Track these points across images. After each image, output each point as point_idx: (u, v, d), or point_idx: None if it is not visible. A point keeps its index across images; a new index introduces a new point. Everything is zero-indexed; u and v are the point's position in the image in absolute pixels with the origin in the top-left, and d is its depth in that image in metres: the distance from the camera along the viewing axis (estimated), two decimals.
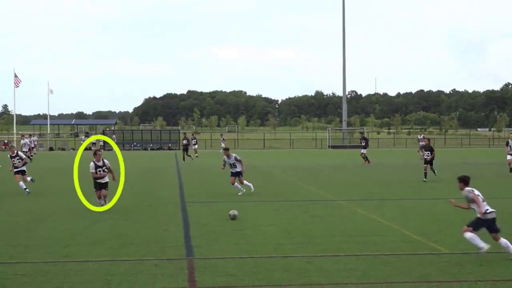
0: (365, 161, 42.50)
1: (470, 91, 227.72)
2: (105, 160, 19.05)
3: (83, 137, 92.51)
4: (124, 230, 15.51)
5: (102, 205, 18.52)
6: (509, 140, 29.25)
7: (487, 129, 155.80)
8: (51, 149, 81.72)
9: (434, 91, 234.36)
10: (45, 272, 10.93)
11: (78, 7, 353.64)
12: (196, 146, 52.60)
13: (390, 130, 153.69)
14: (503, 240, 11.65)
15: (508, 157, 28.93)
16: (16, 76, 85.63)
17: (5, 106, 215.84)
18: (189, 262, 11.68)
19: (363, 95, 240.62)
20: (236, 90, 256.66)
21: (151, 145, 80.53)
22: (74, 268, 11.03)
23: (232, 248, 13.07)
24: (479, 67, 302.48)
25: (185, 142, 47.10)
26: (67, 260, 11.86)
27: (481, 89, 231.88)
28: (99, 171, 18.58)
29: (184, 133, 52.03)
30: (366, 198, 22.38)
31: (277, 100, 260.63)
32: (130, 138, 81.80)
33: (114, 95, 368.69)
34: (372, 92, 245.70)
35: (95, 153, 19.51)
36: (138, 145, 78.28)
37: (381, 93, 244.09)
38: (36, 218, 17.72)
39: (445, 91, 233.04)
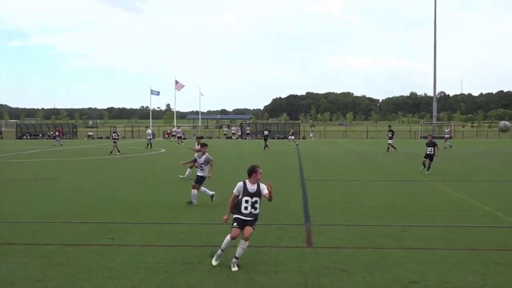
0: (394, 148, 41.64)
1: None
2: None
3: (225, 128, 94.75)
4: None
5: None
6: None
7: None
8: (201, 137, 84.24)
9: None
10: (198, 231, 11.32)
11: (222, 29, 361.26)
12: (292, 137, 53.73)
13: (473, 124, 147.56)
14: None
15: None
16: (177, 82, 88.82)
17: (168, 105, 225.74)
18: (307, 228, 11.71)
19: (451, 95, 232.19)
20: (345, 91, 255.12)
21: (277, 135, 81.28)
22: (218, 229, 11.28)
23: (342, 218, 12.99)
24: None
25: (266, 133, 46.41)
26: (213, 223, 12.18)
27: None
28: None
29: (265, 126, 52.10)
30: (451, 180, 21.59)
31: (378, 100, 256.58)
32: (261, 129, 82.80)
33: (249, 96, 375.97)
34: (458, 93, 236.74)
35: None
36: (290, 134, 79.02)
37: (466, 93, 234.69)
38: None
39: None
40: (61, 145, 54.84)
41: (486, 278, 7.86)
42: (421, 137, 78.49)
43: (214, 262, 8.47)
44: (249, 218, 8.59)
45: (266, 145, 44.79)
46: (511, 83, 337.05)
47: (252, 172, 8.85)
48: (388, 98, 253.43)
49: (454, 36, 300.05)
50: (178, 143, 57.27)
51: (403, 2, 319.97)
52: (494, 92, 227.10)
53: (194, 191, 14.84)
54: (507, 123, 8.71)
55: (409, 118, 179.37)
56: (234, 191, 8.83)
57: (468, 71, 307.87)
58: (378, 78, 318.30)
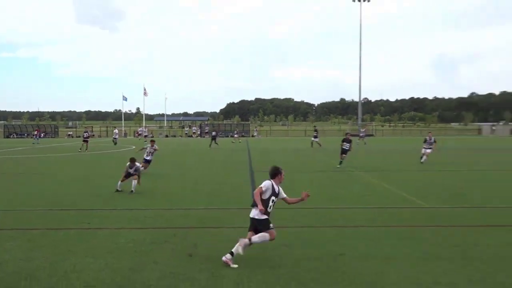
0: (318, 145, 41.51)
1: (446, 97, 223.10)
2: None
3: (187, 128, 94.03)
4: (215, 188, 15.75)
5: None
6: (427, 138, 25.66)
7: (457, 124, 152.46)
8: (166, 136, 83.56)
9: (421, 97, 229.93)
10: (163, 215, 11.22)
11: (186, 44, 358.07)
12: (237, 136, 54.45)
13: (391, 124, 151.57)
14: None
15: (423, 150, 25.07)
16: (145, 89, 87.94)
17: (138, 108, 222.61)
18: None
19: (372, 101, 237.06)
20: (287, 97, 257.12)
21: (231, 133, 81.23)
22: (181, 213, 11.19)
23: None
24: (453, 80, 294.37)
25: (214, 133, 45.88)
26: (178, 208, 12.10)
27: (454, 95, 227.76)
28: None
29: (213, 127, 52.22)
30: (374, 170, 22.06)
31: (315, 104, 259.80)
32: (218, 129, 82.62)
33: (208, 100, 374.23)
34: (379, 99, 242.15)
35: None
36: (223, 133, 78.77)
37: (385, 99, 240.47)
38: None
39: (429, 98, 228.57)
40: (38, 143, 53.02)
41: (399, 249, 8.11)
42: (347, 133, 79.98)
43: (241, 251, 7.23)
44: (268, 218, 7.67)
45: (215, 143, 44.05)
46: (420, 91, 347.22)
47: (277, 173, 8.14)
48: (322, 103, 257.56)
49: (376, 51, 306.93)
50: (145, 141, 56.57)
51: (335, 22, 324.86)
52: (407, 98, 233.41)
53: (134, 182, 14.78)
54: None
55: (339, 119, 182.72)
56: (263, 187, 7.84)
57: (386, 80, 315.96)
58: (314, 86, 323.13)
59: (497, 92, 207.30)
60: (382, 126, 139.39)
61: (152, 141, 21.89)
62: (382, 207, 12.27)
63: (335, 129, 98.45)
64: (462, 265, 7.25)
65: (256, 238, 7.40)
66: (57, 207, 12.28)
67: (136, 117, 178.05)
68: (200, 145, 49.72)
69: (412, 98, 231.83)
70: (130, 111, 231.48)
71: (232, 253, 7.25)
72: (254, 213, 7.58)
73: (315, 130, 45.05)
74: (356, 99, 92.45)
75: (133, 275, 6.80)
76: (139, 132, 71.60)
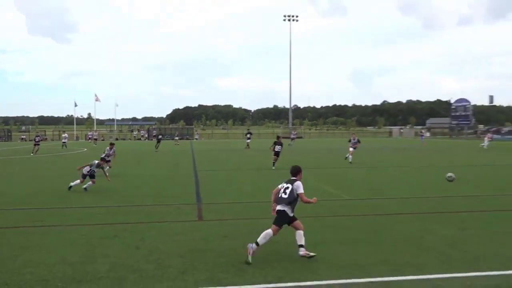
0: (247, 147, 41.03)
1: (363, 104, 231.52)
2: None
3: (135, 132, 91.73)
4: (162, 186, 15.42)
5: None
6: (351, 138, 25.60)
7: (372, 127, 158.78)
8: (116, 139, 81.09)
9: (342, 104, 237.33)
10: (113, 212, 10.81)
11: (136, 54, 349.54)
12: (177, 138, 54.63)
13: (317, 128, 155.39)
14: None
15: (351, 149, 24.69)
16: (96, 95, 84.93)
17: (89, 114, 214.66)
18: (198, 206, 11.65)
19: (301, 107, 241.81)
20: (227, 104, 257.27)
21: (177, 137, 79.94)
22: (129, 210, 10.88)
23: (225, 198, 13.06)
24: (369, 90, 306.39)
25: (160, 137, 44.91)
26: (126, 205, 11.74)
27: (370, 103, 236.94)
28: None
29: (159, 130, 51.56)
30: (302, 168, 22.38)
31: (251, 110, 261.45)
32: (164, 132, 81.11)
33: (155, 106, 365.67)
34: (307, 105, 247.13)
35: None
36: (169, 136, 77.38)
37: (312, 106, 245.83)
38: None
39: (348, 105, 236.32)
40: None
41: (325, 235, 8.29)
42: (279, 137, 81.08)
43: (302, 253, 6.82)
44: None
45: (158, 145, 43.03)
46: (342, 99, 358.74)
47: (299, 171, 7.63)
48: (258, 109, 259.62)
49: (304, 63, 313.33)
50: (95, 144, 54.77)
51: (269, 37, 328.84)
52: (330, 105, 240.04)
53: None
54: (451, 175, 8.10)
55: (273, 124, 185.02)
56: (302, 190, 7.29)
57: (313, 89, 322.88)
58: (251, 94, 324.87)
59: (404, 101, 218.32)
60: (310, 129, 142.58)
61: (112, 144, 20.13)
62: None
63: (270, 132, 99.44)
64: (377, 247, 7.50)
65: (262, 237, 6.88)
66: (10, 207, 11.56)
67: (87, 121, 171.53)
68: (147, 147, 48.60)
69: (334, 105, 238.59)
70: (81, 116, 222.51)
71: (257, 243, 6.80)
72: (282, 208, 7.13)
73: (249, 133, 45.13)
74: (288, 105, 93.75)
75: (84, 267, 6.51)
76: (89, 136, 69.47)
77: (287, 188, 7.29)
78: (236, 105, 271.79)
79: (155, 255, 7.12)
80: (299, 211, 10.70)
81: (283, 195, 7.21)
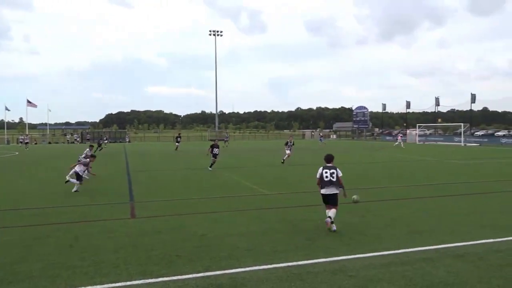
0: (176, 149, 39.81)
1: (280, 110, 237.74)
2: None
3: (68, 136, 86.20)
4: (96, 186, 14.59)
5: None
6: (288, 141, 24.44)
7: (288, 130, 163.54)
8: (49, 143, 75.57)
9: (262, 110, 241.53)
10: (46, 213, 10.03)
11: (69, 60, 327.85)
12: (106, 141, 52.59)
13: (240, 132, 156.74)
14: None
15: (287, 152, 23.64)
16: (30, 101, 78.37)
17: (21, 118, 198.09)
18: (131, 204, 11.19)
19: (227, 112, 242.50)
20: (158, 109, 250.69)
21: (110, 140, 76.39)
22: (62, 210, 10.18)
23: (157, 196, 12.67)
24: (285, 97, 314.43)
25: (102, 140, 43.21)
26: (59, 206, 10.95)
27: (286, 109, 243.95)
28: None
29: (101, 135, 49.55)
30: (229, 167, 22.43)
31: (181, 115, 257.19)
32: (98, 136, 77.07)
33: (88, 111, 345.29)
34: (231, 111, 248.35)
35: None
36: (104, 139, 73.73)
37: (236, 112, 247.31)
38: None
39: (268, 111, 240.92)
40: None
41: (249, 227, 8.33)
42: (208, 139, 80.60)
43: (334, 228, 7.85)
44: None
45: (100, 148, 41.06)
46: (262, 105, 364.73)
47: (332, 158, 8.31)
48: (187, 114, 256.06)
49: (229, 72, 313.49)
50: (26, 148, 50.57)
51: (197, 50, 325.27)
52: (252, 111, 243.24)
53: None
54: (356, 198, 8.28)
55: (201, 128, 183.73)
56: (341, 174, 8.15)
57: (237, 96, 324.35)
58: (181, 100, 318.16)
59: (314, 107, 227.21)
60: (234, 132, 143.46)
61: (91, 146, 18.35)
62: (236, 196, 12.53)
63: (198, 135, 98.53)
64: (294, 235, 7.68)
65: (331, 213, 7.90)
66: None
67: (19, 126, 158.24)
68: (80, 150, 45.87)
69: (256, 111, 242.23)
70: (13, 120, 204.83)
71: (330, 217, 7.85)
72: (328, 191, 7.99)
73: (179, 136, 44.22)
74: (214, 111, 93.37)
75: (16, 268, 5.96)
76: (21, 140, 64.16)
77: (333, 173, 8.01)
78: (167, 110, 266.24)
79: (88, 252, 6.71)
80: (224, 207, 10.71)
81: (332, 179, 7.97)
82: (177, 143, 41.64)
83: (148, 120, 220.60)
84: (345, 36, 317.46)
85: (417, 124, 63.91)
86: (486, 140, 54.56)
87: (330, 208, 7.96)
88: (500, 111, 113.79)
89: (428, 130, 70.34)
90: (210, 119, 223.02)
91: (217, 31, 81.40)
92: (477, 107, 70.16)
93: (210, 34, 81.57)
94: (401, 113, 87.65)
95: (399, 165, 23.13)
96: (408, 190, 13.63)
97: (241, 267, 5.95)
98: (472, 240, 7.21)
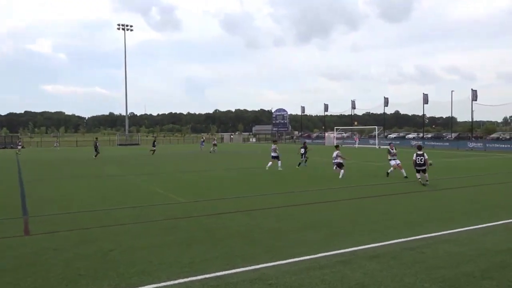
0: (95, 156, 36.72)
1: (197, 112, 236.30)
2: None
3: None
4: None
5: None
6: (390, 149, 20.20)
7: (206, 133, 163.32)
8: None
9: (178, 112, 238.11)
10: None
11: None
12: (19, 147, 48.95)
13: (153, 135, 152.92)
14: None
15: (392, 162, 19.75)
16: None
17: None
18: (25, 219, 10.28)
19: (138, 114, 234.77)
20: (58, 110, 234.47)
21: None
22: None
23: (56, 209, 11.80)
24: (202, 99, 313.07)
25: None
26: None
27: (203, 111, 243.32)
28: None
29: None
30: (142, 174, 21.71)
31: (85, 117, 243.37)
32: None
33: None
34: (143, 113, 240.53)
35: None
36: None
37: (148, 114, 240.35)
38: None
39: (184, 113, 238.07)
40: None
41: (163, 238, 8.10)
42: (118, 144, 77.22)
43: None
44: None
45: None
46: (177, 107, 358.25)
47: (422, 146, 16.15)
48: (93, 116, 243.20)
49: (140, 71, 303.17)
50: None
51: (103, 46, 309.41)
52: (166, 113, 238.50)
53: None
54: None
55: (109, 131, 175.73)
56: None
57: (150, 97, 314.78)
58: (86, 101, 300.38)
59: (233, 109, 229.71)
60: (147, 136, 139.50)
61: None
62: (149, 205, 12.15)
63: (106, 139, 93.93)
64: (210, 245, 7.63)
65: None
66: None
67: None
68: None
69: (170, 113, 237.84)
70: None
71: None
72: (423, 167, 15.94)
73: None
74: (124, 113, 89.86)
75: None
76: None
77: (421, 158, 15.89)
78: (68, 112, 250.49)
79: None
80: (133, 218, 10.30)
81: (421, 162, 15.89)
82: (153, 148, 40.09)
83: (46, 122, 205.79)
84: (262, 37, 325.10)
85: (335, 127, 67.55)
86: (398, 142, 59.44)
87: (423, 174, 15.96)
88: (410, 114, 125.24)
89: (345, 133, 74.91)
90: (119, 121, 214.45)
91: (126, 25, 78.65)
92: (389, 110, 76.46)
93: (118, 28, 78.51)
94: (320, 116, 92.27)
95: (318, 167, 24.20)
96: (325, 193, 14.32)
97: (154, 283, 5.77)
98: (387, 240, 7.77)
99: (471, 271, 6.17)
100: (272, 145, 23.64)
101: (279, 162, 22.54)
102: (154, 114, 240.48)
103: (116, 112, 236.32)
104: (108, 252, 7.22)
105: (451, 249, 7.22)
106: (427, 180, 15.66)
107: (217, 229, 8.94)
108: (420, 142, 41.28)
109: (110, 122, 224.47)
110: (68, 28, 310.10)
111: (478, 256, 6.81)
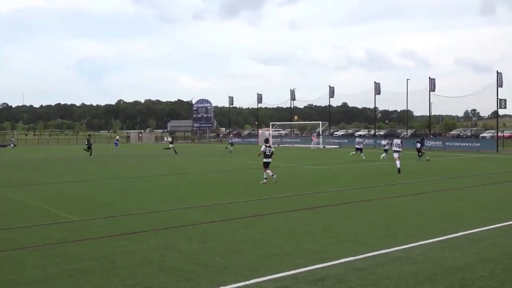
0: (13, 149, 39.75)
1: (94, 104, 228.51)
2: None
3: None
4: None
5: None
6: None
7: (107, 131, 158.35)
8: None
9: (69, 104, 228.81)
10: None
11: None
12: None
13: (36, 133, 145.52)
14: None
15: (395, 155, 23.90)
16: None
17: None
18: None
19: (13, 106, 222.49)
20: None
21: None
22: None
23: None
24: (100, 87, 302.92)
25: None
26: None
27: (102, 103, 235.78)
28: None
29: None
30: (15, 185, 20.61)
31: None
32: None
33: None
34: (21, 104, 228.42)
35: None
36: None
37: (28, 105, 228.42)
38: None
39: (77, 104, 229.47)
40: None
41: (47, 271, 7.73)
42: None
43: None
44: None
45: None
46: (67, 97, 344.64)
47: (424, 139, 24.54)
48: None
49: (13, 50, 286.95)
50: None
51: None
52: (53, 104, 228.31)
53: None
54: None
55: None
56: None
57: (29, 84, 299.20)
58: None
59: (142, 100, 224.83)
60: (26, 135, 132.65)
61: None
62: (28, 225, 11.57)
63: None
64: (109, 277, 7.38)
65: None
66: None
67: None
68: None
69: (59, 104, 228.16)
70: None
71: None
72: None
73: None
74: None
75: None
76: None
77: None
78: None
79: None
80: (6, 244, 9.75)
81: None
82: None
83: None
84: (179, 8, 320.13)
85: (271, 123, 68.58)
86: (346, 141, 61.85)
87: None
88: (360, 107, 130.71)
89: (283, 130, 76.33)
90: None
91: None
92: (336, 102, 78.80)
93: None
94: (252, 109, 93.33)
95: (247, 173, 24.45)
96: (258, 204, 14.52)
97: None
98: (332, 260, 8.03)
99: None
100: (263, 146, 20.80)
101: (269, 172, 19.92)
102: (36, 105, 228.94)
103: None
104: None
105: (405, 267, 7.63)
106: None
107: (120, 254, 8.70)
108: (362, 140, 44.74)
109: None
110: None
111: (435, 275, 7.25)
